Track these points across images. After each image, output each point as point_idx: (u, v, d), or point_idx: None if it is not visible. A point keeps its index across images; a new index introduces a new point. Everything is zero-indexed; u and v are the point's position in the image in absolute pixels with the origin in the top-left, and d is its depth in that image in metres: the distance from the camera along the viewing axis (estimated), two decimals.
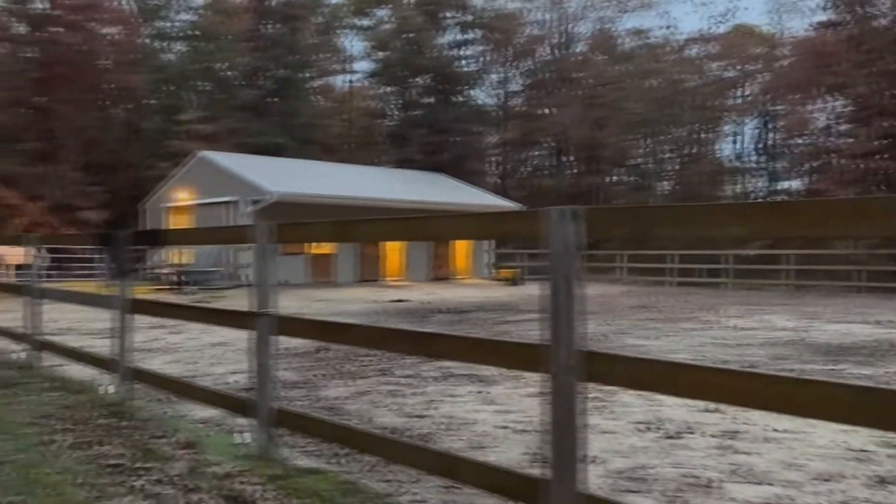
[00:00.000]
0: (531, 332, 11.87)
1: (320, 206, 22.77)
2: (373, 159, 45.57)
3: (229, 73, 42.37)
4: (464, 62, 45.28)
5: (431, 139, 39.16)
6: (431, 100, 42.74)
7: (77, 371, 7.46)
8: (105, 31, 34.26)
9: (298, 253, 24.50)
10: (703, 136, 45.06)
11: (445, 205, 25.67)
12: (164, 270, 24.49)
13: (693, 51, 45.16)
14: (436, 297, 20.25)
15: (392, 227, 3.92)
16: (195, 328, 11.76)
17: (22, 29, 33.79)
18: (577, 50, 47.15)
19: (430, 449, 3.84)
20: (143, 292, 17.20)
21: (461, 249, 29.08)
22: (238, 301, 16.46)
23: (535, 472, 3.24)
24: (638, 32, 45.83)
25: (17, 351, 9.04)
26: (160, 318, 11.72)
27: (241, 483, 3.77)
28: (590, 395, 6.26)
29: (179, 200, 26.44)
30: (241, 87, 39.66)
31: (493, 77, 47.93)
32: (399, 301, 18.68)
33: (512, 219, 3.08)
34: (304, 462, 4.30)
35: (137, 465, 4.05)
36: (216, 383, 6.75)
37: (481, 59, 46.46)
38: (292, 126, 38.42)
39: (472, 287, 24.71)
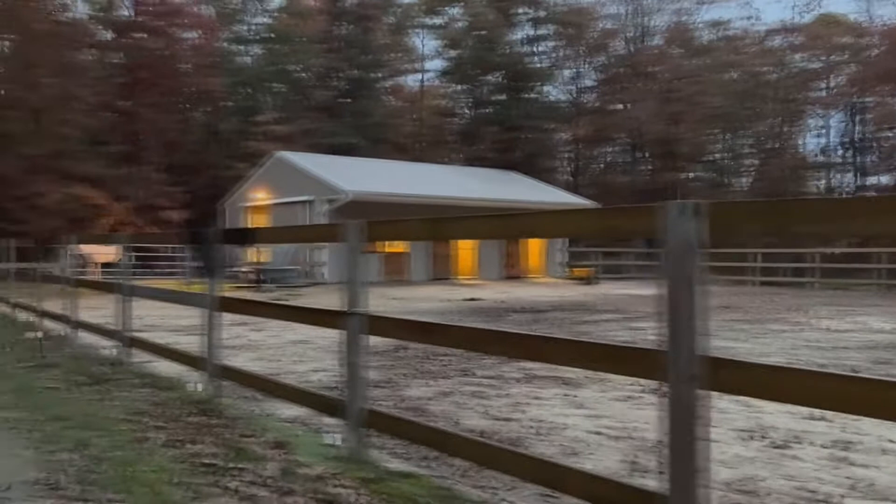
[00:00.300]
0: (613, 333, 11.57)
1: (394, 204, 22.85)
2: (443, 158, 45.64)
3: (303, 74, 43.10)
4: (536, 58, 44.83)
5: (503, 137, 38.93)
6: (503, 97, 42.49)
7: (165, 367, 7.60)
8: (185, 35, 35.31)
9: (372, 251, 24.64)
10: (785, 130, 43.41)
11: (519, 202, 25.44)
12: (243, 269, 25.05)
13: (775, 42, 43.55)
14: (509, 295, 20.04)
15: (488, 225, 3.78)
16: (275, 326, 11.91)
17: (108, 35, 35.13)
18: (653, 43, 46.10)
19: (528, 455, 3.68)
20: (223, 290, 17.45)
21: (534, 248, 28.77)
22: (315, 299, 16.66)
23: (650, 484, 3.04)
24: (717, 24, 44.46)
25: (108, 347, 9.32)
26: (243, 316, 11.97)
27: (335, 486, 3.70)
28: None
29: (257, 200, 27.00)
30: (314, 88, 40.28)
31: (566, 73, 47.35)
32: (472, 300, 18.56)
33: (621, 215, 2.89)
34: (394, 465, 4.21)
35: (230, 464, 4.03)
36: (300, 381, 6.75)
37: (553, 54, 45.93)
38: (364, 126, 38.79)
39: (546, 286, 24.39)
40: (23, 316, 12.39)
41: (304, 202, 24.56)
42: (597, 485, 3.02)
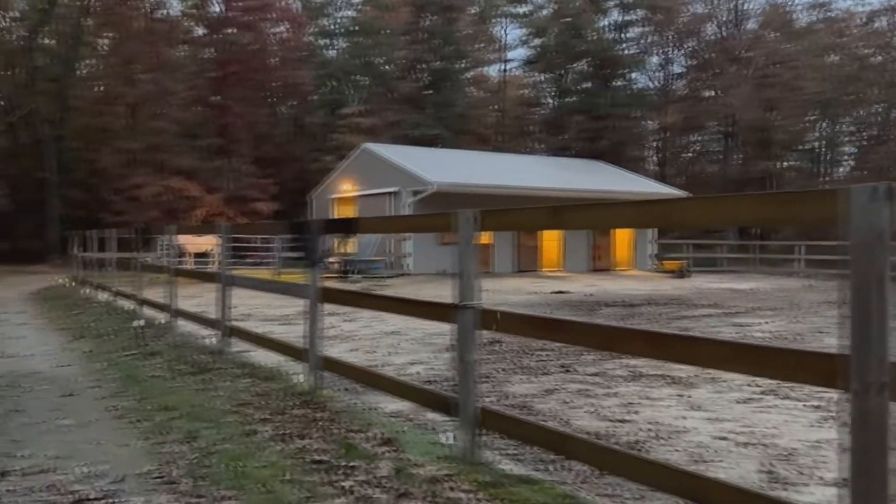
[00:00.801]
0: (716, 329, 11.01)
1: (478, 195, 22.60)
2: (526, 148, 45.10)
3: (387, 67, 43.34)
4: (624, 45, 43.66)
5: (589, 126, 38.13)
6: (589, 85, 41.58)
7: (263, 357, 7.60)
8: (274, 30, 35.98)
9: (457, 243, 24.49)
10: (892, 116, 40.91)
11: (606, 193, 24.80)
12: (330, 259, 25.34)
13: (881, 23, 41.05)
14: (598, 288, 19.52)
15: (618, 213, 3.50)
16: (367, 316, 11.89)
17: (200, 32, 36.15)
18: (748, 27, 44.21)
19: (659, 463, 3.38)
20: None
21: (622, 239, 28.04)
22: (403, 289, 16.61)
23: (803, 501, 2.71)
24: (817, 5, 42.25)
25: (206, 336, 9.45)
26: (335, 307, 11.99)
27: (451, 489, 3.50)
28: (813, 403, 5.56)
29: (344, 191, 27.26)
30: (398, 79, 40.41)
31: (654, 59, 46.00)
32: (560, 292, 18.16)
33: (790, 201, 2.56)
34: (509, 467, 3.97)
35: (341, 462, 3.88)
36: (399, 374, 6.61)
37: (642, 41, 44.63)
38: (447, 117, 38.70)
39: (635, 279, 23.70)
40: (123, 304, 12.78)
41: (389, 193, 24.63)
42: (747, 500, 2.71)
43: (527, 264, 25.39)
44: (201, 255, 22.38)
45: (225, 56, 31.33)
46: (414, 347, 8.76)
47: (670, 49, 46.18)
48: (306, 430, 4.60)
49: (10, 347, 8.33)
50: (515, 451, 4.35)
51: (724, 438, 4.68)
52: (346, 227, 5.83)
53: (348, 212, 27.80)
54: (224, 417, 4.95)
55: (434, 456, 4.07)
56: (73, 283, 17.58)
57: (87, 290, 15.19)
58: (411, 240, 23.76)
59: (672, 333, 3.32)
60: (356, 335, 9.80)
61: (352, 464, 3.83)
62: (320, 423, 4.79)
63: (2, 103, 38.23)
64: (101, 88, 35.32)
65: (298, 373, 6.59)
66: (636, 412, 5.44)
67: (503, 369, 7.41)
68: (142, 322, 8.95)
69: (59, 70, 34.49)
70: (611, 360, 7.92)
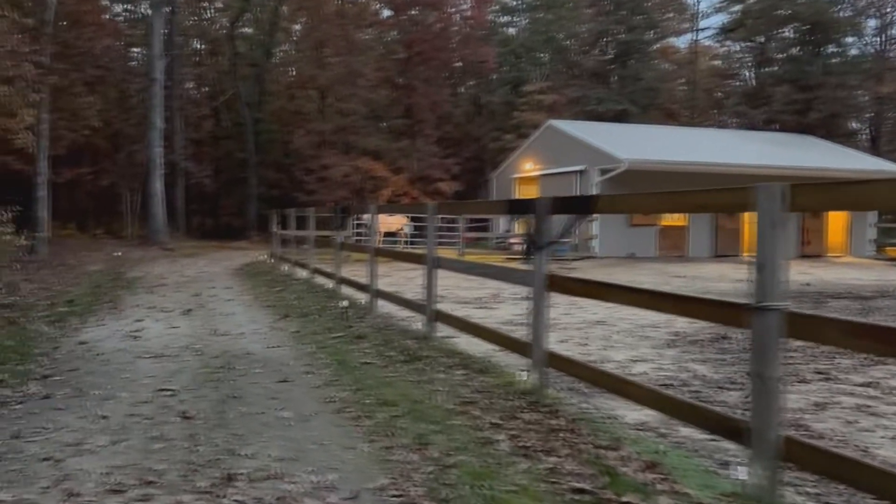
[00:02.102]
0: None
1: (673, 174, 21.11)
2: (719, 123, 42.07)
3: (569, 42, 41.94)
4: (837, 8, 39.28)
5: (795, 97, 34.68)
6: (797, 52, 37.81)
7: (467, 344, 7.12)
8: (457, 8, 35.78)
9: (648, 224, 23.13)
10: None
11: (818, 170, 22.25)
12: (512, 240, 24.80)
13: None
14: (813, 277, 17.48)
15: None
16: (561, 302, 11.15)
17: (386, 13, 36.74)
18: None
19: None
20: (495, 261, 17.14)
21: (836, 223, 25.22)
22: (592, 273, 15.67)
23: None
24: None
25: (406, 318, 9.13)
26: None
27: None
28: None
29: (527, 171, 26.55)
30: (582, 54, 38.94)
31: (871, 23, 41.09)
32: None
33: None
34: None
35: (609, 495, 3.17)
36: (627, 374, 5.81)
37: (858, 2, 39.95)
38: (634, 91, 36.79)
39: (853, 267, 21.13)
40: (321, 282, 12.88)
41: (575, 172, 23.62)
42: None
43: (727, 248, 23.44)
44: (390, 235, 22.62)
45: (410, 37, 31.51)
46: (630, 341, 7.91)
47: (891, 11, 41.02)
48: (548, 442, 3.95)
49: (223, 324, 8.42)
50: (815, 489, 3.46)
51: None
52: (583, 207, 5.08)
53: (531, 192, 27.08)
54: (450, 419, 4.42)
55: (717, 492, 3.27)
56: (272, 260, 18.25)
57: (286, 267, 15.60)
58: (598, 220, 22.66)
59: None
60: (559, 323, 9.06)
61: (624, 499, 3.11)
62: (560, 434, 4.13)
63: (206, 89, 41.15)
64: (294, 73, 36.92)
65: (513, 366, 6.01)
66: None
67: (746, 373, 6.40)
68: (346, 303, 8.76)
69: (258, 55, 36.41)
70: (875, 366, 6.67)
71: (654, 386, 4.68)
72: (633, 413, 4.73)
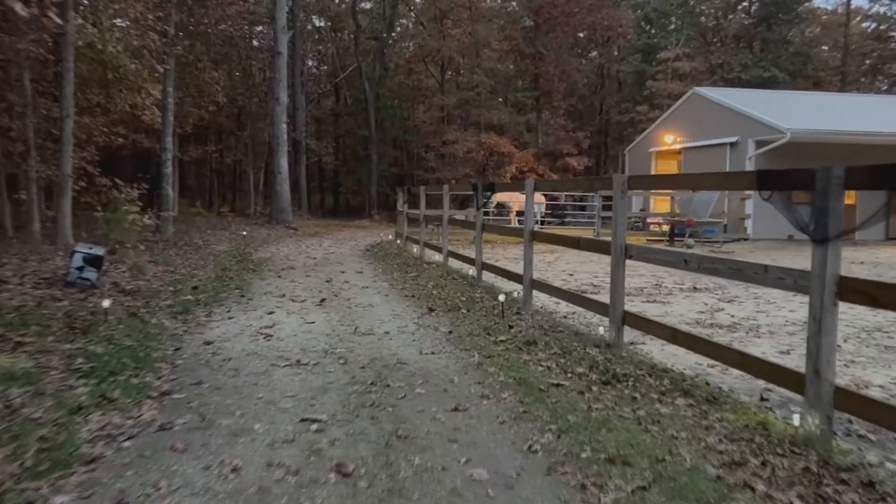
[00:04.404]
0: None
1: (843, 146, 18.56)
2: (879, 90, 37.96)
3: (704, 5, 38.78)
4: None
5: None
6: None
7: (661, 353, 5.68)
8: None
9: (806, 203, 20.55)
10: None
11: None
12: (655, 220, 22.83)
13: None
14: None
15: None
16: (741, 295, 9.41)
17: None
18: None
19: None
20: (636, 241, 15.25)
21: None
22: (751, 257, 13.64)
23: None
24: None
25: (567, 314, 7.71)
26: (708, 282, 9.62)
27: None
28: None
29: (669, 144, 24.34)
30: (722, 18, 35.82)
31: None
32: None
33: None
34: None
35: None
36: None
37: None
38: (781, 56, 33.49)
39: None
40: (456, 265, 11.64)
41: (726, 144, 21.32)
42: None
43: None
44: (523, 214, 21.16)
45: (538, 1, 29.59)
46: (871, 353, 6.15)
47: None
48: None
49: (363, 320, 7.27)
50: None
51: None
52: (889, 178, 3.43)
53: (671, 167, 24.94)
54: (720, 496, 2.97)
55: None
56: (399, 241, 17.22)
57: (416, 249, 14.50)
58: (752, 199, 20.36)
59: None
60: (759, 326, 7.38)
61: None
62: None
63: (325, 68, 40.81)
64: (416, 45, 35.86)
65: (742, 390, 4.53)
66: None
67: None
68: (503, 297, 7.41)
69: (380, 27, 35.55)
70: None
71: None
72: None
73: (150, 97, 15.35)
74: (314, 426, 3.92)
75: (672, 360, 5.64)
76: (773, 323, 7.59)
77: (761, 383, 4.92)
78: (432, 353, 5.80)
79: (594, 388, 4.71)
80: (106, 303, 6.68)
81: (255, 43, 31.59)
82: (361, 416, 4.11)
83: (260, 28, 32.28)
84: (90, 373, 4.81)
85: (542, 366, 5.32)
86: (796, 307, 8.47)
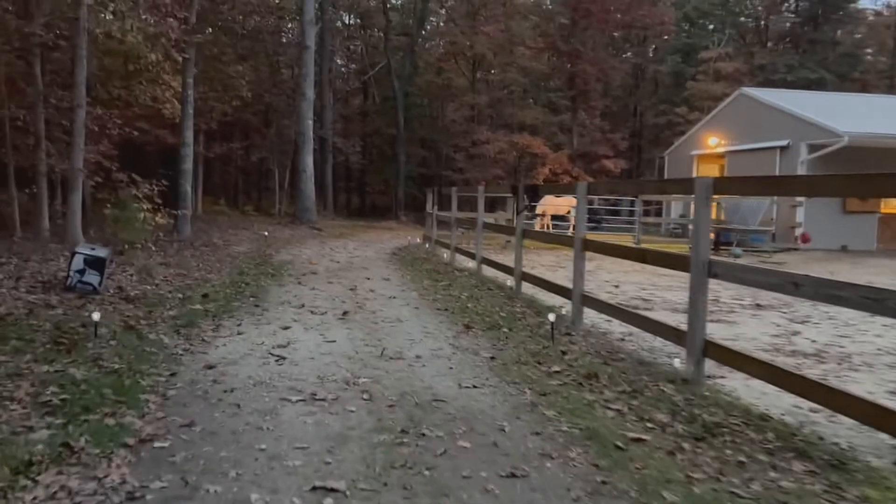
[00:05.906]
0: None
1: None
2: None
3: (750, 3, 37.40)
4: None
5: None
6: None
7: (746, 390, 4.70)
8: None
9: (867, 212, 19.34)
10: None
11: None
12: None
13: None
14: None
15: None
16: (814, 315, 8.32)
17: None
18: None
19: None
20: (675, 249, 14.15)
21: None
22: (805, 269, 12.50)
23: None
24: None
25: (623, 335, 6.69)
26: (771, 300, 8.57)
27: None
28: None
29: (713, 146, 23.12)
30: (767, 17, 34.45)
31: None
32: None
33: None
34: None
35: None
36: None
37: None
38: (829, 58, 32.05)
39: None
40: (491, 274, 10.66)
41: (776, 148, 20.12)
42: None
43: None
44: (559, 218, 20.12)
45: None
46: None
47: None
48: None
49: (391, 339, 6.32)
50: None
51: None
52: None
53: (714, 171, 23.73)
54: None
55: None
56: (428, 245, 16.29)
57: (446, 255, 13.55)
58: (803, 206, 19.18)
59: None
60: (849, 355, 6.32)
61: None
62: None
63: (353, 66, 40.04)
64: (447, 43, 34.95)
65: (864, 448, 3.54)
66: None
67: None
68: (553, 316, 6.42)
69: (411, 24, 34.69)
70: None
71: None
72: None
73: (171, 90, 14.57)
74: (329, 500, 2.97)
75: (762, 400, 4.64)
76: (864, 351, 6.53)
77: (884, 437, 3.93)
78: (474, 386, 4.83)
79: (685, 445, 3.71)
80: (96, 315, 5.82)
81: (283, 39, 30.89)
82: (390, 483, 3.16)
83: (290, 25, 31.63)
84: (59, 408, 3.93)
85: (610, 409, 4.33)
86: (881, 331, 7.42)
